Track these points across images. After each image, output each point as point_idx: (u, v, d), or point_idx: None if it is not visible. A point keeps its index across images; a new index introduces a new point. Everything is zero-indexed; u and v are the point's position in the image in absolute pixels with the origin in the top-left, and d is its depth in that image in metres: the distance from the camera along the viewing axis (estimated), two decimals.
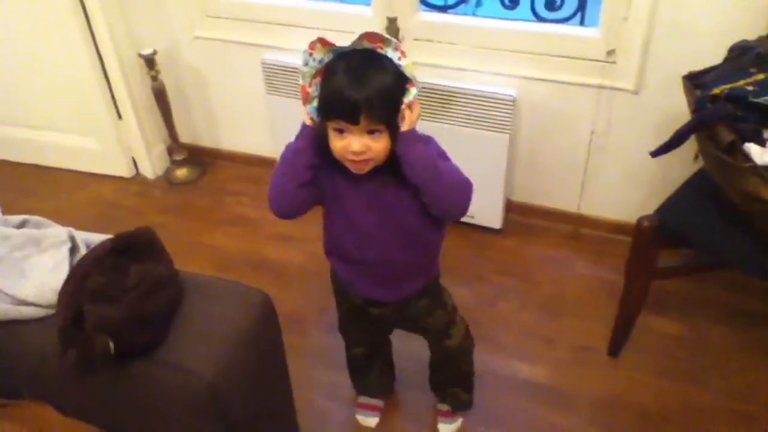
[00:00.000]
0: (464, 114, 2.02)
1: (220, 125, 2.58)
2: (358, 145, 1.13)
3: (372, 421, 1.74)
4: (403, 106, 1.14)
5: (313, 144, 1.20)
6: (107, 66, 2.36)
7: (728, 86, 1.40)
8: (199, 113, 2.57)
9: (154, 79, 2.38)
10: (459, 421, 1.71)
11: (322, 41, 1.12)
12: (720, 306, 1.96)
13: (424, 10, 2.07)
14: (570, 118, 2.02)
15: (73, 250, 1.23)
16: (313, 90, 1.17)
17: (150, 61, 2.33)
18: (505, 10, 2.09)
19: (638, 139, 1.97)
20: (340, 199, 1.27)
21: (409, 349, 1.73)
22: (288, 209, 1.27)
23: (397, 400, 1.78)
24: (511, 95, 1.96)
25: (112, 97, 2.44)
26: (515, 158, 2.15)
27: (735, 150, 1.36)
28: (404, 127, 1.15)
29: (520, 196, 2.26)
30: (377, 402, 1.76)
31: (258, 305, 1.18)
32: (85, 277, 1.12)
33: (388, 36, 1.11)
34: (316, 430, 1.71)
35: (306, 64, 1.15)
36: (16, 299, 1.14)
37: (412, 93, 1.15)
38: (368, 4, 2.09)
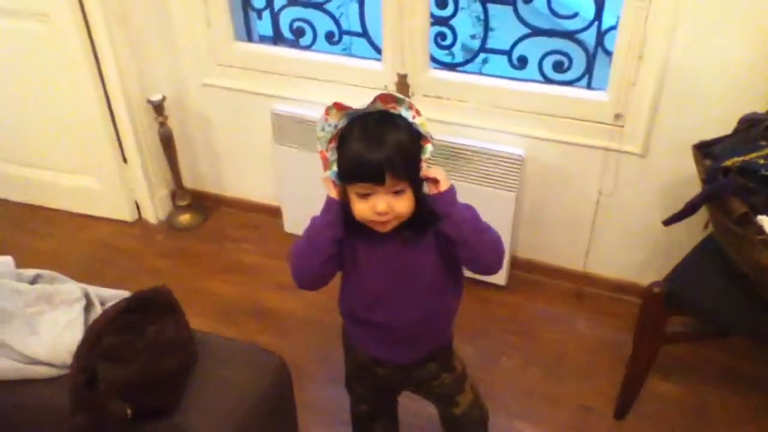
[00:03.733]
0: (472, 171, 2.04)
1: (224, 172, 2.59)
2: (384, 205, 1.12)
3: None
4: (424, 164, 1.15)
5: (340, 218, 1.19)
6: (115, 110, 2.36)
7: (740, 159, 1.42)
8: (205, 159, 2.58)
9: (162, 124, 2.39)
10: None
11: (337, 106, 1.13)
12: (722, 370, 1.96)
13: (435, 68, 2.10)
14: (577, 178, 2.04)
15: (88, 307, 1.21)
16: (331, 155, 1.17)
17: (158, 108, 2.34)
18: (514, 70, 2.12)
19: (644, 201, 1.99)
20: (356, 264, 1.27)
21: (418, 407, 1.70)
22: (312, 283, 1.26)
23: None
24: (518, 154, 1.98)
25: (118, 140, 2.44)
26: (521, 215, 2.16)
27: (747, 222, 1.37)
28: (444, 186, 1.16)
29: (525, 253, 2.27)
30: None
31: (273, 369, 1.18)
32: (100, 337, 1.10)
33: (401, 96, 1.12)
34: None
35: (322, 129, 1.16)
36: (28, 357, 1.12)
37: (428, 150, 1.16)
38: (379, 60, 2.12)
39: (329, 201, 1.20)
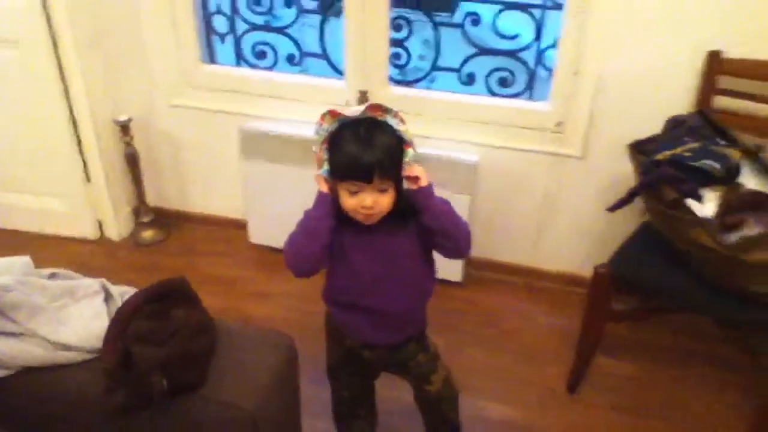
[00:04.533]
0: (430, 177, 2.19)
1: (189, 189, 2.68)
2: (370, 201, 1.29)
3: None
4: (407, 164, 1.32)
5: (332, 209, 1.35)
6: (81, 131, 2.43)
7: (670, 153, 1.66)
8: (170, 177, 2.66)
9: (128, 144, 2.47)
10: None
11: (332, 113, 1.30)
12: (664, 347, 2.20)
13: (392, 85, 2.29)
14: (525, 180, 2.26)
15: (107, 299, 1.31)
16: (325, 155, 1.33)
17: (125, 128, 2.43)
18: (463, 86, 2.34)
19: (585, 199, 2.22)
20: (345, 253, 1.42)
21: (394, 396, 1.84)
22: (309, 269, 1.40)
23: None
24: (472, 160, 2.19)
25: (83, 160, 2.50)
26: (476, 217, 2.36)
27: (679, 206, 1.61)
28: (424, 182, 1.33)
29: (479, 252, 2.46)
30: None
31: (284, 347, 1.30)
32: (127, 323, 1.21)
33: (388, 106, 1.30)
34: None
35: (317, 133, 1.32)
36: (59, 345, 1.21)
37: (410, 153, 1.33)
38: (341, 78, 2.29)
39: (322, 195, 1.35)
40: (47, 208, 2.62)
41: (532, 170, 2.24)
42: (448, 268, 2.39)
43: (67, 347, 1.22)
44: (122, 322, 1.21)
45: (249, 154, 2.38)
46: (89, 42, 2.30)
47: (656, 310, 1.98)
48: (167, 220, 2.74)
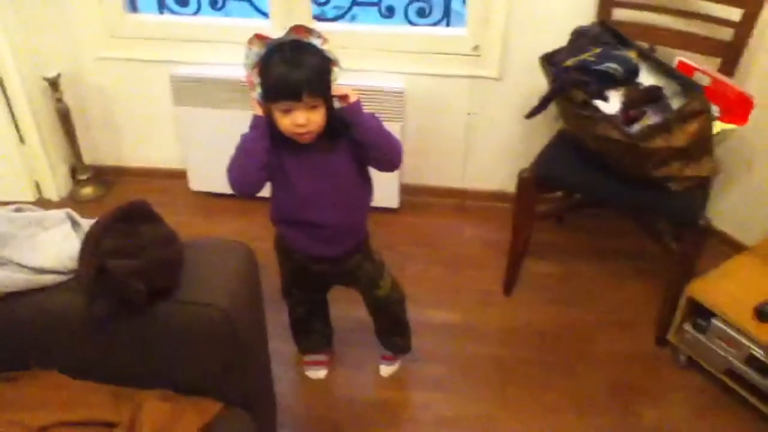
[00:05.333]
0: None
1: (124, 143, 2.71)
2: (302, 119, 1.41)
3: (321, 373, 1.99)
4: (335, 84, 1.44)
5: (267, 130, 1.46)
6: (9, 90, 2.42)
7: (576, 59, 1.84)
8: (104, 132, 2.69)
9: (59, 101, 2.48)
10: (397, 364, 2.00)
11: (258, 36, 1.41)
12: (585, 248, 2.44)
13: (316, 21, 2.39)
14: (449, 104, 2.42)
15: (74, 226, 1.39)
16: (255, 79, 1.44)
17: (54, 84, 2.44)
18: (383, 19, 2.46)
19: (505, 118, 2.40)
20: (285, 172, 1.53)
21: (347, 315, 1.99)
22: (250, 189, 1.52)
23: (342, 356, 2.04)
24: (399, 87, 2.32)
25: (14, 121, 2.49)
26: (407, 144, 2.49)
27: (587, 107, 1.79)
28: (353, 98, 1.45)
29: (412, 179, 2.62)
30: (323, 357, 2.01)
31: (244, 253, 1.42)
32: (99, 241, 1.29)
33: (311, 27, 1.41)
34: None
35: (247, 57, 1.43)
36: (35, 269, 1.29)
37: (336, 71, 1.45)
38: (266, 18, 2.37)
39: (257, 118, 1.47)
40: None
41: (455, 94, 2.39)
42: (385, 196, 2.53)
43: (43, 270, 1.29)
44: (94, 241, 1.29)
45: (182, 100, 2.44)
46: None
47: (575, 206, 2.19)
48: (106, 177, 2.77)
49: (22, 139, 2.54)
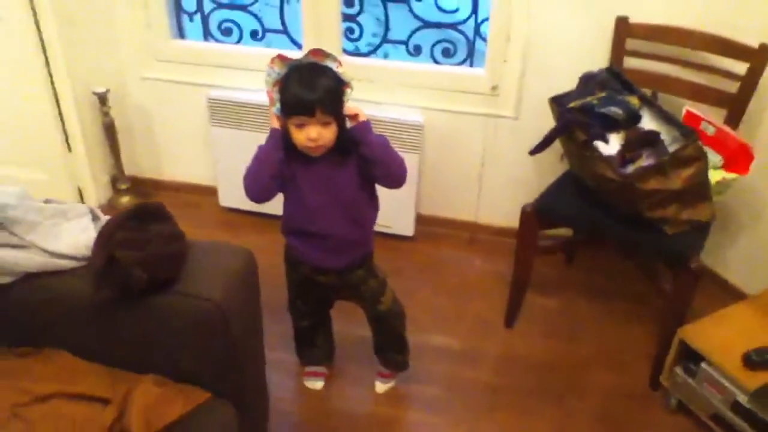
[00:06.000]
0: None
1: (162, 157, 2.90)
2: (315, 134, 1.54)
3: (319, 384, 2.08)
4: (346, 104, 1.57)
5: (281, 142, 1.60)
6: (62, 103, 2.63)
7: (580, 101, 1.93)
8: (143, 146, 2.88)
9: (106, 114, 2.68)
10: (392, 382, 2.08)
11: (279, 57, 1.56)
12: (590, 288, 2.49)
13: (346, 55, 2.54)
14: (465, 140, 2.53)
15: (94, 220, 1.54)
16: (275, 95, 1.58)
17: (103, 99, 2.64)
18: (411, 57, 2.60)
19: (519, 156, 2.47)
20: (297, 184, 1.67)
21: (350, 331, 2.09)
22: (262, 193, 1.66)
23: (341, 370, 2.13)
24: (419, 122, 2.44)
25: (64, 131, 2.70)
26: (424, 175, 2.61)
27: (588, 146, 1.88)
28: (362, 117, 1.58)
29: (427, 210, 2.72)
30: (322, 369, 2.10)
31: (244, 256, 1.54)
32: (112, 234, 1.43)
33: (327, 51, 1.55)
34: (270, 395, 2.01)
35: (269, 75, 1.58)
36: (54, 253, 1.44)
37: (348, 93, 1.58)
38: (299, 50, 2.53)
39: (273, 131, 1.61)
40: (31, 178, 2.79)
41: (472, 131, 2.50)
42: (402, 225, 2.64)
43: (61, 255, 1.44)
44: (108, 233, 1.43)
45: (217, 121, 2.61)
46: (68, 19, 2.51)
47: (577, 243, 2.25)
48: (143, 189, 2.96)
49: (69, 148, 2.74)
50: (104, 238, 1.43)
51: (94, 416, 1.35)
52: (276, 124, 1.60)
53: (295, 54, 1.57)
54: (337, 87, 1.55)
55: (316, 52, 1.56)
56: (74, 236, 1.47)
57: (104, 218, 1.55)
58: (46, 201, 1.56)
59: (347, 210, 1.70)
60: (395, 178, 1.68)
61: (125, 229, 1.45)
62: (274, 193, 1.68)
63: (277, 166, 1.61)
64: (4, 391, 1.38)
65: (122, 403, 1.38)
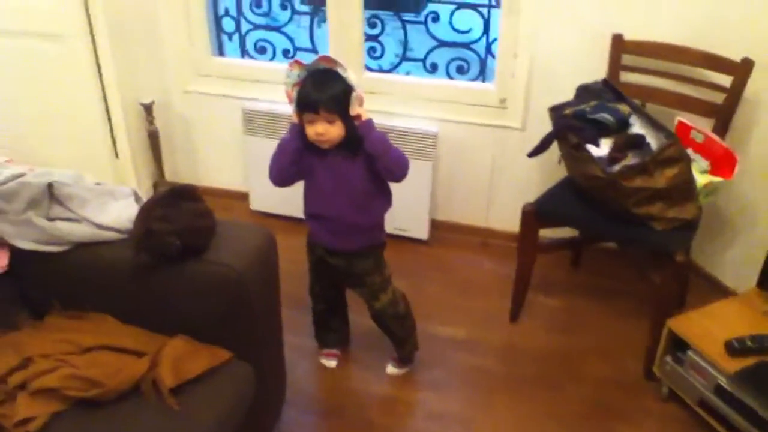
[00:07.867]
0: (398, 146, 2.68)
1: (199, 164, 3.16)
2: (321, 129, 1.78)
3: (333, 363, 2.26)
4: (353, 106, 1.79)
5: (298, 135, 1.84)
6: (112, 113, 2.91)
7: (573, 108, 2.12)
8: (183, 154, 3.15)
9: (150, 124, 2.95)
10: (402, 370, 2.24)
11: (297, 62, 1.80)
12: (586, 286, 2.65)
13: (367, 71, 2.78)
14: (476, 150, 2.72)
15: (137, 200, 1.78)
16: (294, 95, 1.81)
17: (148, 109, 2.91)
18: (427, 74, 2.82)
19: (526, 165, 2.66)
20: (312, 172, 1.90)
21: (366, 321, 2.27)
22: (282, 176, 1.91)
23: (355, 356, 2.31)
24: (433, 131, 2.65)
25: (113, 139, 2.98)
26: (437, 182, 2.81)
27: (580, 149, 2.06)
28: (365, 117, 1.80)
29: (441, 215, 2.91)
30: (337, 351, 2.29)
31: (264, 234, 1.75)
32: (151, 210, 1.66)
33: (335, 59, 1.79)
34: (289, 372, 2.20)
35: (288, 76, 1.82)
36: (102, 226, 1.67)
37: (354, 96, 1.80)
38: None
39: (293, 124, 1.86)
40: None
41: (482, 141, 2.70)
42: (417, 229, 2.84)
43: (107, 228, 1.67)
44: (147, 210, 1.66)
45: (251, 131, 2.86)
46: (120, 37, 2.79)
47: (579, 243, 2.41)
48: None
49: (117, 154, 3.01)
50: (144, 212, 1.66)
51: (131, 364, 1.56)
52: (296, 120, 1.83)
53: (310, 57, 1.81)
54: (344, 90, 1.78)
55: (327, 58, 1.79)
56: (119, 212, 1.70)
57: (144, 198, 1.78)
58: (97, 183, 1.81)
59: (354, 197, 1.91)
60: (394, 171, 1.88)
61: (162, 206, 1.67)
62: (293, 178, 1.92)
63: (295, 154, 1.85)
64: (56, 343, 1.60)
65: (155, 357, 1.58)
